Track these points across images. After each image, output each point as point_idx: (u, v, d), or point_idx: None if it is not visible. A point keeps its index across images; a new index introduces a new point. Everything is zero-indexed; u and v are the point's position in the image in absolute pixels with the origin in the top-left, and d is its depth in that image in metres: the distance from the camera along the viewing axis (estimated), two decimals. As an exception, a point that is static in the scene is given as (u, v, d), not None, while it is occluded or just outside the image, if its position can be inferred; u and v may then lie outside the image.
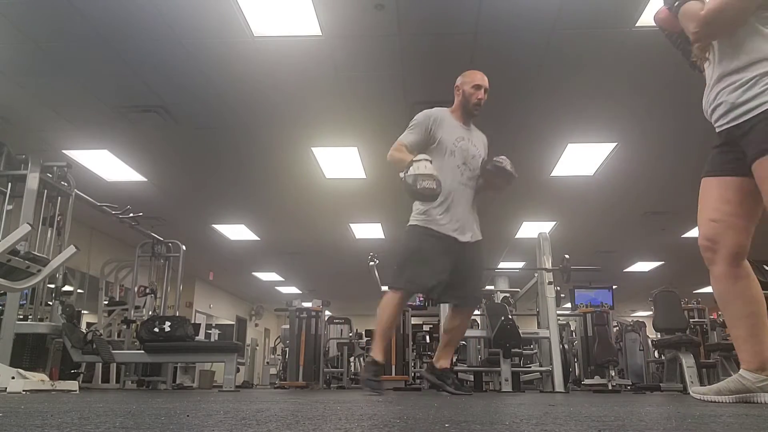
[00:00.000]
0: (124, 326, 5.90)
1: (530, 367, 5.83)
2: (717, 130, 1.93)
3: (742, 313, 1.87)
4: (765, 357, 1.82)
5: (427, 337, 8.84)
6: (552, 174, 6.72)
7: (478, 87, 3.13)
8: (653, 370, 7.35)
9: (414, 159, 2.75)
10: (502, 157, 3.10)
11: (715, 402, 1.89)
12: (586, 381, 6.02)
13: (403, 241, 3.07)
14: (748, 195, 1.87)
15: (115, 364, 5.64)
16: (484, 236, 3.17)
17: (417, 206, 3.05)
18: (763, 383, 1.79)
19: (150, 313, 5.97)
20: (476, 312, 5.70)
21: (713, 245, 1.90)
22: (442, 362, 3.21)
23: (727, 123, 1.86)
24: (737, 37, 1.82)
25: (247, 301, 16.53)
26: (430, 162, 2.76)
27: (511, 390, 4.79)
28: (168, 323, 4.63)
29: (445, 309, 4.95)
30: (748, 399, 1.82)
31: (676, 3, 1.91)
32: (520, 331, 4.99)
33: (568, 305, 8.46)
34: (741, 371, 1.85)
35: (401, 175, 2.75)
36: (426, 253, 2.94)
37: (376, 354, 2.98)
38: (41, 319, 4.30)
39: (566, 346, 6.41)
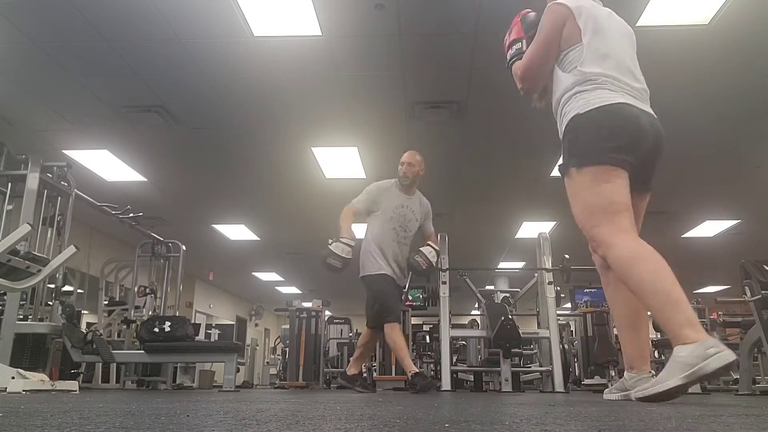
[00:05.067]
0: (124, 326, 5.90)
1: (530, 367, 5.82)
2: None
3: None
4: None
5: (427, 337, 8.83)
6: (552, 174, 6.72)
7: (402, 163, 3.95)
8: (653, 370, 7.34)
9: (341, 238, 3.60)
10: (427, 249, 3.90)
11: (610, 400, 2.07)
12: (586, 381, 6.00)
13: (375, 287, 3.87)
14: None
15: (115, 364, 5.64)
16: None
17: (371, 259, 3.84)
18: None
19: (150, 313, 5.96)
20: (476, 312, 5.64)
21: None
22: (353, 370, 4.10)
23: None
24: (554, 78, 2.22)
25: (247, 301, 16.53)
26: (350, 247, 3.61)
27: (511, 390, 4.78)
28: (168, 323, 4.63)
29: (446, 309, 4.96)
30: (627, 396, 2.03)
31: (507, 64, 2.36)
32: (520, 331, 4.98)
33: (568, 305, 8.46)
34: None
35: (329, 240, 3.61)
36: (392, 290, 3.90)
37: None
38: (41, 319, 4.29)
39: (566, 346, 6.40)
